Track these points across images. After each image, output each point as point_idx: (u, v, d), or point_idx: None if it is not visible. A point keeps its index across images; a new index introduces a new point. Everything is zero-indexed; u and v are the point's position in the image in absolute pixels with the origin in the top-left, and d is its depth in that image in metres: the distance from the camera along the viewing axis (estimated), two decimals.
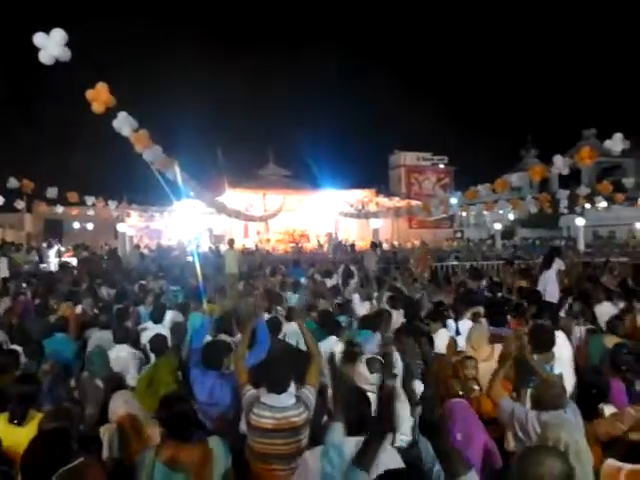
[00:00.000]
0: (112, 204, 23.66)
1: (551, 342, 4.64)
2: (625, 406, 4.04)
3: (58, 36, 7.69)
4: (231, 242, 16.97)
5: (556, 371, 4.59)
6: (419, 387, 4.25)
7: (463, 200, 23.21)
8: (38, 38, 7.68)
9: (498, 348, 4.90)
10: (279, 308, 7.67)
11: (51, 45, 7.67)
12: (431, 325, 5.96)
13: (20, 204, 22.55)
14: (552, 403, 3.43)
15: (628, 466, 2.85)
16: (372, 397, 3.42)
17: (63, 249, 24.75)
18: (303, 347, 4.49)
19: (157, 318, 6.97)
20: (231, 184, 31.01)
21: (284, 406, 3.52)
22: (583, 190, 26.79)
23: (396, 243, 33.95)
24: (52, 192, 18.72)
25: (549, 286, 9.12)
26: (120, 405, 3.94)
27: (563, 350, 5.04)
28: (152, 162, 11.43)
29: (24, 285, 11.96)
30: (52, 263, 21.10)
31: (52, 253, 22.49)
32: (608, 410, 3.95)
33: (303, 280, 11.55)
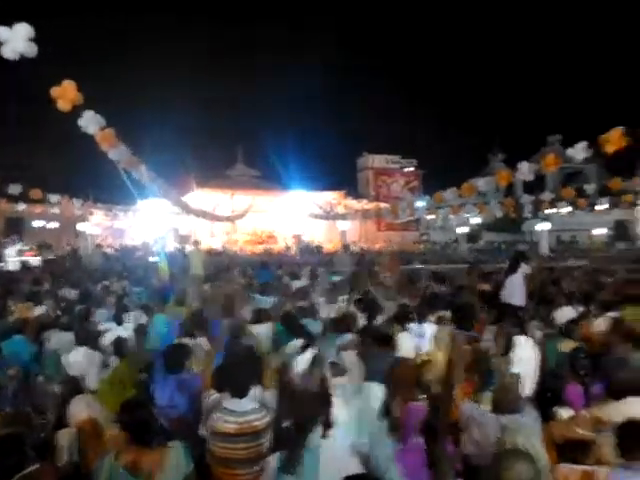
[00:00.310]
0: (77, 202, 23.24)
1: (510, 346, 4.72)
2: (581, 409, 4.14)
3: (23, 30, 7.51)
4: (197, 243, 16.85)
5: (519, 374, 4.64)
6: (380, 390, 4.28)
7: (430, 203, 23.48)
8: (1, 32, 7.50)
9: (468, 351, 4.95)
10: (245, 310, 7.62)
11: (15, 40, 7.50)
12: (394, 328, 6.00)
13: None
14: (510, 407, 3.50)
15: (579, 468, 2.92)
16: (335, 402, 3.43)
17: (27, 247, 24.21)
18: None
19: (119, 320, 6.88)
20: (199, 183, 30.78)
21: (246, 410, 3.51)
22: (547, 196, 27.36)
23: (364, 245, 34.11)
24: (15, 189, 18.31)
25: (515, 291, 9.21)
26: (81, 409, 3.88)
27: (527, 354, 5.12)
28: (118, 161, 11.30)
29: None
30: (12, 262, 20.64)
31: (12, 252, 21.99)
32: (564, 413, 4.05)
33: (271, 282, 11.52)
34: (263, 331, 6.20)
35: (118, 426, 3.49)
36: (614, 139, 11.26)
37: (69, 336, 6.16)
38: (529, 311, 8.04)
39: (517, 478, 2.26)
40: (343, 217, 31.42)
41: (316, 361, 4.53)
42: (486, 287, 10.12)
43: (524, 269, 9.62)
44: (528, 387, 4.46)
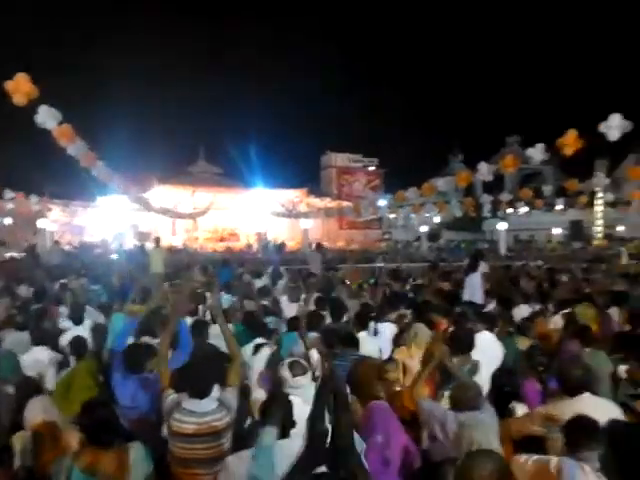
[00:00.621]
0: (33, 198, 22.69)
1: (470, 345, 4.80)
2: (537, 406, 4.24)
3: None
4: (157, 240, 16.62)
5: (482, 371, 4.72)
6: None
7: (392, 202, 23.71)
8: None
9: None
10: (204, 309, 7.57)
11: None
12: (355, 327, 6.04)
13: None
14: (469, 404, 3.55)
15: (534, 457, 3.00)
16: (295, 401, 3.43)
17: None
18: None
19: (77, 319, 6.74)
20: (160, 180, 30.40)
21: (206, 411, 3.48)
22: (505, 196, 27.93)
23: (326, 244, 34.19)
24: None
25: (476, 289, 9.37)
26: (37, 412, 3.79)
27: (490, 351, 5.21)
28: (76, 157, 11.11)
29: None
30: None
31: None
32: (520, 409, 4.14)
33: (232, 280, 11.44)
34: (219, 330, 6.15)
35: (77, 427, 3.44)
36: (570, 141, 11.57)
37: (24, 336, 6.02)
38: (487, 309, 8.17)
39: (486, 476, 2.30)
40: (306, 215, 31.43)
41: (273, 360, 4.54)
42: (446, 286, 10.26)
43: (483, 267, 9.81)
44: (486, 384, 4.55)
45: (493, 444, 3.24)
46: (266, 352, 4.82)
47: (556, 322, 7.08)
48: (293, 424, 3.21)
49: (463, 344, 4.77)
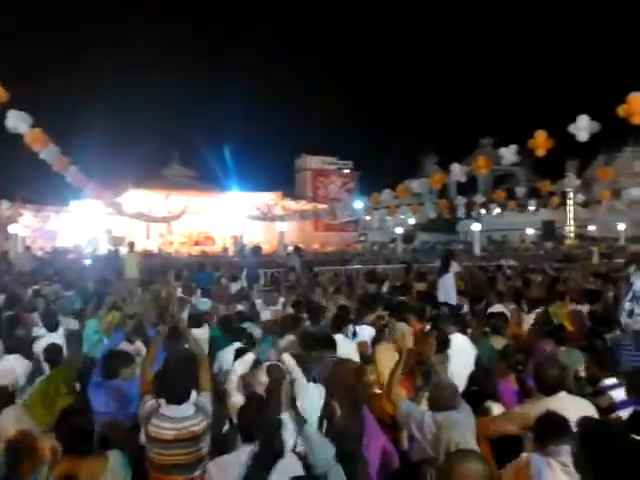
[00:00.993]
0: (4, 204, 22.32)
1: (445, 344, 4.85)
2: (513, 405, 4.29)
3: None
4: (131, 245, 16.44)
5: (455, 371, 4.77)
6: (321, 392, 4.31)
7: (367, 204, 23.80)
8: None
9: None
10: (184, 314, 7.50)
11: None
12: (332, 330, 6.04)
13: None
14: (446, 404, 3.58)
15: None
16: None
17: None
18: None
19: (50, 326, 6.63)
20: (133, 184, 30.10)
21: (184, 416, 3.47)
22: (479, 197, 28.27)
23: (302, 246, 34.16)
24: None
25: (449, 289, 9.45)
26: (11, 422, 3.72)
27: (464, 352, 5.26)
28: (49, 161, 10.97)
29: None
30: None
31: None
32: (496, 409, 4.18)
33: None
34: (200, 335, 6.12)
35: (53, 436, 3.39)
36: (540, 142, 11.75)
37: None
38: (462, 309, 8.25)
39: (468, 476, 2.33)
40: (281, 218, 31.38)
41: (255, 365, 4.52)
42: (422, 287, 10.33)
43: (455, 267, 9.92)
44: (462, 384, 4.59)
45: (470, 443, 3.28)
46: (250, 357, 4.80)
47: (530, 321, 7.18)
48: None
49: (439, 344, 4.82)
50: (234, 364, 4.86)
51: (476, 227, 31.56)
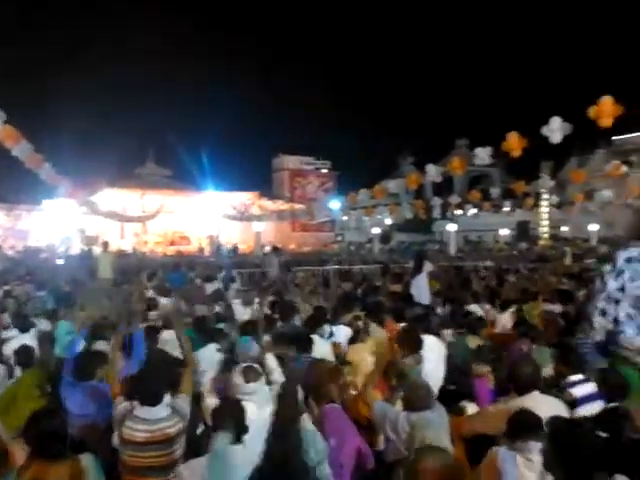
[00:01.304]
0: None
1: (419, 345, 4.88)
2: (488, 404, 4.32)
3: None
4: (105, 244, 16.25)
5: (427, 372, 4.79)
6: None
7: (345, 204, 23.85)
8: None
9: None
10: (155, 314, 7.44)
11: None
12: (307, 330, 6.03)
13: None
14: (420, 404, 3.59)
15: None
16: (248, 407, 3.42)
17: None
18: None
19: (22, 327, 6.52)
20: (108, 183, 29.76)
21: (158, 418, 3.43)
22: (455, 198, 28.51)
23: (278, 246, 34.09)
24: None
25: (422, 290, 9.50)
26: None
27: (433, 352, 5.29)
28: (21, 159, 10.79)
29: None
30: None
31: None
32: (471, 408, 4.21)
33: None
34: (173, 336, 6.06)
35: (21, 442, 3.32)
36: (513, 144, 11.89)
37: None
38: (437, 310, 8.30)
39: (434, 472, 2.34)
40: (258, 218, 31.29)
41: (227, 365, 4.49)
42: (397, 287, 10.37)
43: (428, 267, 9.99)
44: (435, 384, 4.61)
45: (444, 443, 3.30)
46: (225, 359, 4.77)
47: (504, 320, 7.26)
48: (245, 430, 3.20)
49: (413, 344, 4.85)
50: (209, 366, 4.83)
51: (452, 227, 31.90)
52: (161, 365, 4.25)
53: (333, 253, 31.10)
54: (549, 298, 7.94)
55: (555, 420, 2.99)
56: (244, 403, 3.44)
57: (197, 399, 4.41)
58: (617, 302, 5.57)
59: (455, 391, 4.41)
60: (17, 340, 6.05)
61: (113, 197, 29.50)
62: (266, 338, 5.64)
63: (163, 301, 8.80)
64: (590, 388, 4.10)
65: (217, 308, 8.11)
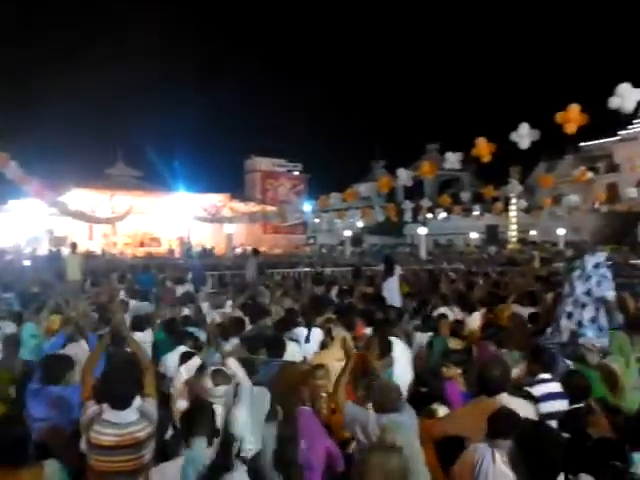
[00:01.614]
0: None
1: (389, 347, 4.90)
2: (459, 406, 4.36)
3: None
4: (74, 245, 15.98)
5: (396, 375, 4.82)
6: (267, 395, 4.29)
7: (316, 207, 23.88)
8: None
9: None
10: (125, 317, 7.34)
11: None
12: (280, 332, 6.02)
13: None
14: (390, 406, 3.61)
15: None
16: (218, 410, 3.40)
17: None
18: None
19: None
20: (76, 183, 29.32)
21: (128, 422, 3.38)
22: (425, 202, 28.76)
23: (249, 248, 33.95)
24: None
25: (394, 293, 9.58)
26: None
27: (401, 355, 5.33)
28: None
29: None
30: None
31: None
32: (441, 411, 4.25)
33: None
34: (143, 339, 6.00)
35: None
36: (481, 149, 12.07)
37: None
38: (408, 312, 8.35)
39: (388, 469, 2.36)
40: (229, 220, 31.12)
41: (201, 369, 4.45)
42: (370, 290, 10.41)
43: (398, 271, 10.10)
44: (405, 387, 4.64)
45: (414, 445, 3.32)
46: (195, 362, 4.72)
47: (474, 323, 7.33)
48: (217, 433, 3.18)
49: (383, 347, 4.88)
50: (179, 369, 4.78)
51: (422, 231, 32.18)
52: (129, 368, 4.19)
53: (305, 255, 31.11)
54: (519, 301, 8.04)
55: (523, 422, 3.04)
56: (214, 407, 3.42)
57: (167, 402, 4.37)
58: (584, 306, 5.78)
59: (426, 393, 4.43)
60: None
61: (82, 198, 29.06)
62: (235, 341, 5.62)
63: (133, 303, 8.71)
64: (554, 387, 4.20)
65: (187, 311, 8.04)
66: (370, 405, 3.82)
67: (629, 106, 9.59)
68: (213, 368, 3.96)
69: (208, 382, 3.78)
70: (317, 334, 6.27)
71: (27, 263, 20.40)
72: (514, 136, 11.44)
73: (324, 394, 4.45)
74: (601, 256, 5.97)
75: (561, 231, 38.52)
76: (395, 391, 3.77)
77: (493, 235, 46.63)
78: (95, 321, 6.69)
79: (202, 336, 6.26)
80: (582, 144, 56.53)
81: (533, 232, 45.95)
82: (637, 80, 9.49)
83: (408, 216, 27.65)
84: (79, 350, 5.16)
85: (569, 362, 5.20)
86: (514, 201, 38.74)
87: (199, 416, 3.19)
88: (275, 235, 40.66)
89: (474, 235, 47.75)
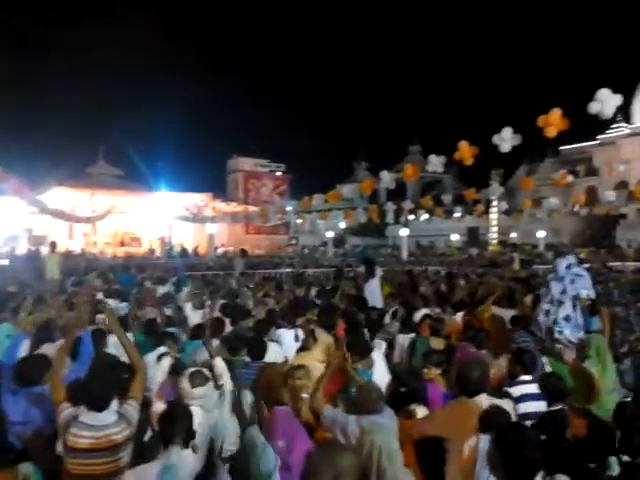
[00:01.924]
0: None
1: (368, 348, 4.92)
2: (439, 407, 4.37)
3: None
4: (53, 245, 15.80)
5: (375, 376, 4.83)
6: (249, 397, 4.27)
7: (299, 208, 23.89)
8: None
9: None
10: (103, 318, 7.25)
11: None
12: (263, 333, 6.00)
13: None
14: (370, 408, 3.62)
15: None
16: (196, 411, 3.37)
17: None
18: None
19: None
20: (56, 181, 28.97)
21: (105, 424, 3.34)
22: (407, 204, 28.90)
23: (231, 248, 33.84)
24: None
25: (375, 294, 9.62)
26: None
27: (380, 356, 5.35)
28: None
29: None
30: None
31: None
32: (420, 412, 4.25)
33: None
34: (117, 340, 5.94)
35: None
36: (463, 153, 12.17)
37: None
38: (389, 314, 8.36)
39: (333, 470, 2.35)
40: (211, 220, 30.96)
41: (175, 370, 4.42)
42: (352, 291, 10.43)
43: (379, 272, 10.17)
44: (383, 387, 4.65)
45: (393, 447, 3.32)
46: (167, 362, 4.68)
47: (454, 324, 7.36)
48: (193, 435, 3.16)
49: (362, 348, 4.89)
50: (157, 370, 4.74)
51: (404, 232, 32.31)
52: (108, 369, 4.14)
53: (287, 256, 31.07)
54: (499, 302, 8.09)
55: (499, 422, 3.07)
56: (191, 408, 3.39)
57: (146, 404, 4.33)
58: (560, 304, 6.24)
59: (404, 394, 4.44)
60: None
61: (62, 196, 28.72)
62: (215, 342, 5.58)
63: (112, 303, 8.60)
64: (533, 388, 4.31)
65: (168, 311, 7.99)
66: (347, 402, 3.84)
67: (608, 111, 9.77)
68: (191, 369, 3.92)
69: (185, 383, 3.75)
70: (301, 334, 6.27)
71: (5, 262, 20.16)
72: (496, 139, 11.56)
73: (305, 395, 4.44)
74: (571, 258, 6.57)
75: (541, 233, 38.89)
76: (376, 392, 3.78)
77: (474, 237, 47.00)
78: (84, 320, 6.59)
79: (183, 337, 6.23)
80: (562, 148, 57.28)
81: (514, 234, 46.35)
82: (616, 86, 9.65)
83: (390, 217, 27.74)
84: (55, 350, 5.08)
85: (545, 359, 5.34)
86: (495, 203, 39.13)
87: (173, 418, 3.16)
88: (257, 235, 40.56)
89: (455, 237, 48.06)
